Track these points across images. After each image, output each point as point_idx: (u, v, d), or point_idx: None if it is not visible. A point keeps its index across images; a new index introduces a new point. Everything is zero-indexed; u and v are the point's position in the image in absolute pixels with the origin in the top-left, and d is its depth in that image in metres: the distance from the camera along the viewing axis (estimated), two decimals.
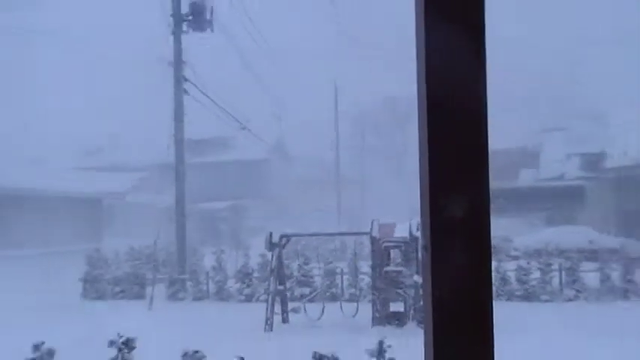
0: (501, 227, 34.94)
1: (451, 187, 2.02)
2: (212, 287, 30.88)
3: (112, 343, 8.83)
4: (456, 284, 1.97)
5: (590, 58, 56.37)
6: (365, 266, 27.61)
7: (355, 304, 24.83)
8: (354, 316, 23.36)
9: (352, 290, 27.85)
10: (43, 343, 9.01)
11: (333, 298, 26.87)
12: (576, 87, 58.42)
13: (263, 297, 25.69)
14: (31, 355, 8.92)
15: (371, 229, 24.43)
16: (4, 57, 59.77)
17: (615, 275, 28.62)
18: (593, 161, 47.47)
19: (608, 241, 34.14)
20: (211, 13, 36.50)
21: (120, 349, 8.76)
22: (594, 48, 62.42)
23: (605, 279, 28.53)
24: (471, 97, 1.97)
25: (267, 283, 25.51)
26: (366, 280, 26.88)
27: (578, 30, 68.27)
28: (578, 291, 28.31)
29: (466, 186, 2.00)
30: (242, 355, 9.26)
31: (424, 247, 2.03)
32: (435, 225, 1.99)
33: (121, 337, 8.86)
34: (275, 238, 24.98)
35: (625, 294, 27.98)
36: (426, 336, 2.07)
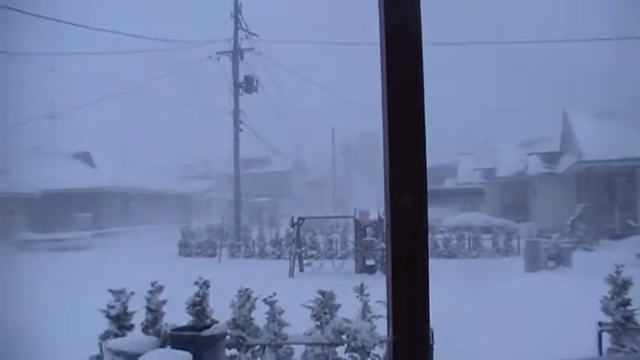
0: (434, 213, 34.84)
1: (403, 186, 2.01)
2: (256, 250, 30.87)
3: (196, 283, 8.81)
4: (406, 247, 1.96)
5: (489, 109, 55.95)
6: (351, 237, 27.60)
7: (344, 260, 24.89)
8: (342, 268, 23.37)
9: (342, 252, 27.83)
10: (156, 282, 9.01)
11: (331, 257, 26.80)
12: (476, 125, 58.26)
13: (287, 256, 25.65)
14: (149, 288, 8.92)
15: (355, 213, 24.50)
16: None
17: (501, 242, 28.73)
18: (488, 173, 47.38)
19: (497, 221, 34.04)
20: (257, 82, 36.55)
21: (200, 287, 8.74)
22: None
23: (494, 244, 28.63)
24: (415, 128, 1.96)
25: (290, 247, 25.52)
26: (351, 246, 26.84)
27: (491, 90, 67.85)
28: (479, 252, 28.36)
29: (412, 185, 1.99)
30: (275, 291, 9.25)
31: (387, 225, 2.02)
32: (393, 210, 1.97)
33: (202, 279, 8.84)
34: (295, 220, 25.05)
35: (506, 253, 28.09)
36: (387, 279, 2.06)
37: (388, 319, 1.98)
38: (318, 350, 8.81)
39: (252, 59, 36.42)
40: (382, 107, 2.03)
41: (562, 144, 39.52)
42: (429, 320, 1.99)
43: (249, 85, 36.20)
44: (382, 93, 2.00)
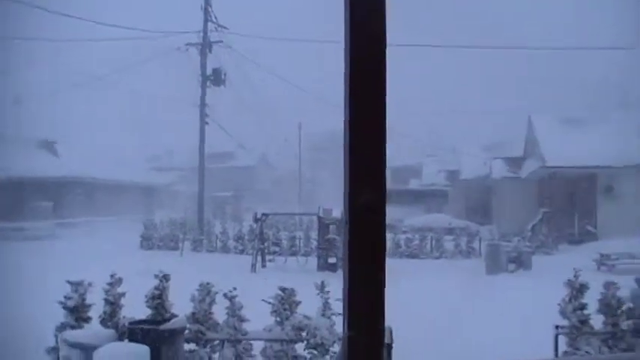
0: (397, 213, 35.04)
1: (362, 184, 2.01)
2: (219, 244, 30.77)
3: (156, 276, 8.76)
4: (363, 244, 1.96)
5: (455, 112, 56.58)
6: (314, 234, 27.60)
7: (307, 257, 24.89)
8: (305, 265, 23.37)
9: (306, 249, 27.82)
10: (115, 274, 8.94)
11: (293, 253, 26.81)
12: (442, 128, 58.71)
13: (250, 252, 25.58)
14: (109, 281, 8.84)
15: (318, 211, 24.52)
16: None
17: (463, 243, 29.01)
18: (452, 176, 47.77)
19: (460, 223, 34.36)
20: (225, 75, 36.37)
21: (160, 280, 8.69)
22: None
23: (457, 245, 28.89)
24: (376, 125, 1.96)
25: (253, 243, 25.49)
26: (314, 243, 26.85)
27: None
28: (441, 252, 28.59)
29: (371, 184, 1.99)
30: (236, 286, 9.23)
31: (345, 221, 2.03)
32: (352, 207, 1.98)
33: (162, 272, 8.79)
34: (258, 215, 25.03)
35: (468, 254, 28.36)
36: (343, 275, 2.07)
37: (344, 315, 1.98)
38: (277, 346, 8.81)
39: (221, 52, 36.25)
40: (344, 104, 2.03)
41: (526, 149, 39.97)
42: (384, 318, 2.00)
43: (217, 78, 36.00)
44: (345, 90, 2.00)
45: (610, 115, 33.59)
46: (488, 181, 41.84)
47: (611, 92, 41.96)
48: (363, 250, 1.96)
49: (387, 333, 10.73)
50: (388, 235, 29.56)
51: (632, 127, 31.00)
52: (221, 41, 36.00)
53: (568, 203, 32.78)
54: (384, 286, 1.97)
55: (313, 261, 23.81)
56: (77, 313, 8.51)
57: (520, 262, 23.83)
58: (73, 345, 7.43)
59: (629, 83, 40.97)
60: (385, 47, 1.96)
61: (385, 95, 1.97)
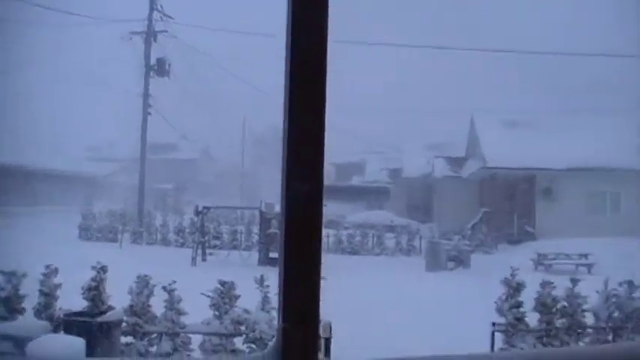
0: (339, 209, 35.20)
1: (300, 177, 2.02)
2: (159, 237, 30.48)
3: (93, 268, 8.64)
4: (300, 237, 1.98)
5: (399, 111, 56.77)
6: (255, 229, 27.53)
7: (249, 252, 24.83)
8: (247, 259, 23.32)
9: (247, 243, 27.75)
10: (51, 264, 8.79)
11: (235, 247, 26.73)
12: (385, 126, 58.98)
13: (191, 245, 25.38)
14: (43, 271, 8.69)
15: (260, 205, 24.50)
16: None
17: (403, 241, 29.32)
18: (395, 173, 48.16)
19: (401, 221, 34.68)
20: (169, 66, 35.97)
21: (98, 272, 8.57)
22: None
23: (398, 243, 29.19)
24: (315, 121, 1.97)
25: (193, 236, 25.32)
26: (255, 238, 26.79)
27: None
28: (382, 249, 28.84)
29: (309, 178, 2.01)
30: (175, 279, 9.17)
31: (282, 215, 2.04)
32: (289, 201, 1.99)
33: (99, 263, 8.67)
34: (200, 208, 24.90)
35: (408, 252, 28.69)
36: (279, 268, 2.08)
37: (279, 307, 1.99)
38: (215, 340, 8.78)
39: (166, 42, 35.80)
40: (284, 97, 2.04)
41: (468, 149, 40.55)
42: (319, 310, 2.01)
43: (161, 68, 35.57)
44: (285, 84, 2.00)
45: (557, 119, 34.19)
46: (430, 180, 42.29)
47: (577, 98, 42.52)
48: (299, 243, 1.97)
49: (326, 327, 10.76)
50: (330, 231, 29.75)
51: (577, 131, 31.66)
52: (166, 31, 35.58)
53: (508, 204, 33.39)
54: (320, 279, 1.99)
55: (255, 255, 23.77)
56: (10, 304, 8.33)
57: (459, 260, 24.22)
58: (5, 337, 7.28)
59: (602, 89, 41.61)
60: (326, 42, 1.97)
61: (325, 90, 1.98)
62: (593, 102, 38.50)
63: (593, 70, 42.00)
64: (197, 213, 24.95)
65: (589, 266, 23.62)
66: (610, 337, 10.17)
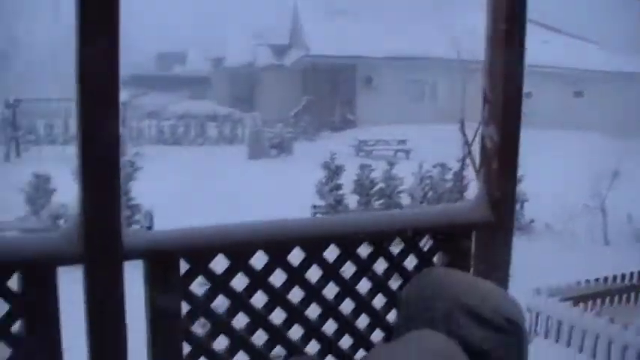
0: (160, 99, 34.48)
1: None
2: None
3: None
4: (99, 129, 1.92)
5: None
6: (74, 122, 26.38)
7: (65, 146, 23.87)
8: (63, 153, 22.49)
9: (65, 137, 26.53)
10: None
11: (52, 142, 25.65)
12: (207, 13, 57.49)
13: (3, 140, 24.07)
14: None
15: None
16: None
17: (226, 130, 29.69)
18: (217, 63, 47.50)
19: (224, 110, 34.48)
20: None
21: None
22: None
23: (220, 132, 29.49)
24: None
25: (6, 131, 24.06)
26: (72, 132, 25.74)
27: None
28: (205, 139, 28.90)
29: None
30: None
31: (77, 128, 1.96)
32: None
33: None
34: (11, 101, 23.74)
35: (231, 141, 29.26)
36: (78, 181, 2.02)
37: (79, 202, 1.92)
38: None
39: None
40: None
41: (291, 37, 40.58)
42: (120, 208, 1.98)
43: None
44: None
45: (380, 9, 34.57)
46: (252, 69, 42.06)
47: None
48: (98, 136, 1.90)
49: (148, 218, 10.79)
50: (151, 122, 29.20)
51: (399, 22, 32.30)
52: None
53: (330, 92, 34.10)
54: (120, 192, 1.93)
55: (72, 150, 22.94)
56: None
57: (282, 147, 24.72)
58: None
59: None
60: None
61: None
62: None
63: None
64: (8, 106, 23.61)
65: (407, 152, 24.82)
66: None
